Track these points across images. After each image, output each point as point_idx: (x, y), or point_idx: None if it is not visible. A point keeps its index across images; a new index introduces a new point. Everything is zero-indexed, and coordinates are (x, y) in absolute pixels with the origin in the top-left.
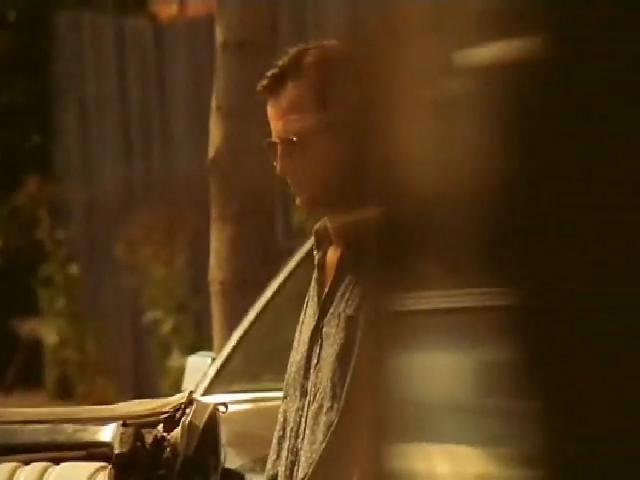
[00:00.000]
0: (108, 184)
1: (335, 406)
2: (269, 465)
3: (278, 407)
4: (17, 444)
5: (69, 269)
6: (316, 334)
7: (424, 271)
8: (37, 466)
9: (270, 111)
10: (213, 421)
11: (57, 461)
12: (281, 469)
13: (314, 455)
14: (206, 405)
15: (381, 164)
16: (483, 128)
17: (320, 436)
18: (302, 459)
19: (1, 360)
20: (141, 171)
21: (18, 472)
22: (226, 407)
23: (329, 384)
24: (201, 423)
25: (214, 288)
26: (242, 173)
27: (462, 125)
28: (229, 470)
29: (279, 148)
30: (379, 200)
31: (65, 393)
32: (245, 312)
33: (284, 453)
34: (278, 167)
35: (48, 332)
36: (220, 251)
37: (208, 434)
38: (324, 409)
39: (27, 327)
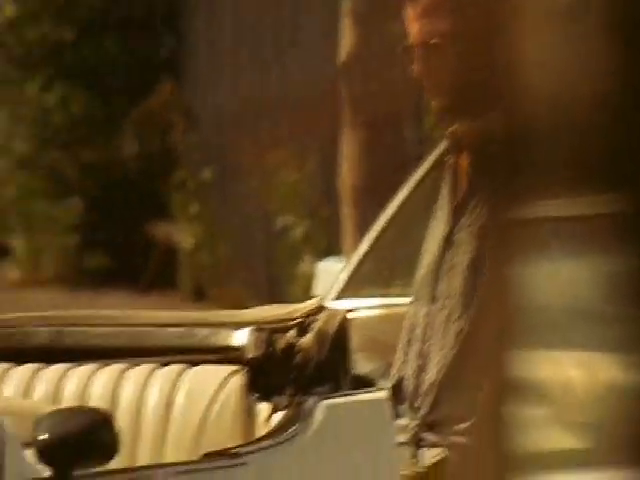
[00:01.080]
0: (240, 89)
1: (465, 314)
2: (395, 369)
3: (406, 313)
4: (152, 347)
5: (202, 174)
6: (447, 241)
7: (547, 178)
8: (173, 368)
9: (408, 13)
10: (343, 327)
11: (191, 364)
12: (408, 373)
13: (444, 360)
14: (336, 311)
15: (507, 70)
16: (605, 34)
17: (450, 342)
18: (431, 364)
19: (137, 264)
20: (273, 76)
21: (154, 374)
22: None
23: (460, 292)
24: (331, 329)
25: (344, 193)
26: (373, 78)
27: (584, 31)
28: (358, 375)
29: (416, 51)
30: (505, 106)
31: (198, 296)
32: (375, 217)
33: (411, 357)
34: (415, 70)
35: (182, 236)
36: (351, 156)
37: (338, 340)
38: (454, 316)
39: (161, 231)
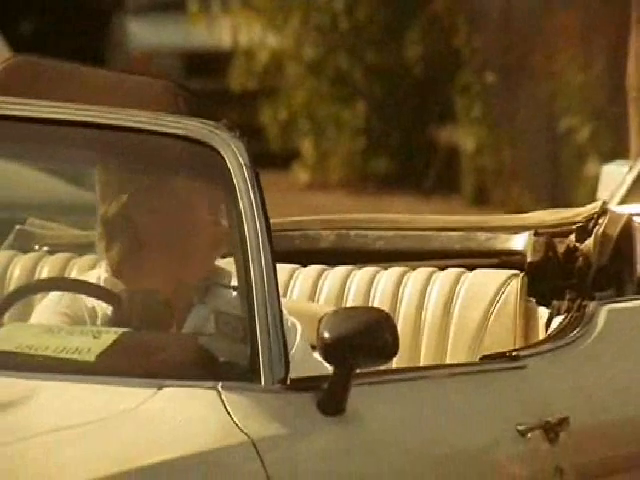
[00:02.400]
0: None
1: None
2: None
3: None
4: (431, 250)
5: (485, 77)
6: None
7: None
8: (452, 272)
9: None
10: (627, 231)
11: (470, 267)
12: None
13: None
14: (620, 215)
15: None
16: None
17: None
18: None
19: (420, 166)
20: None
21: (434, 277)
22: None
23: None
24: (615, 233)
25: (632, 94)
26: None
27: None
28: None
29: None
30: None
31: (481, 200)
32: None
33: None
34: None
35: (465, 139)
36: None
37: (622, 244)
38: None
39: (444, 134)
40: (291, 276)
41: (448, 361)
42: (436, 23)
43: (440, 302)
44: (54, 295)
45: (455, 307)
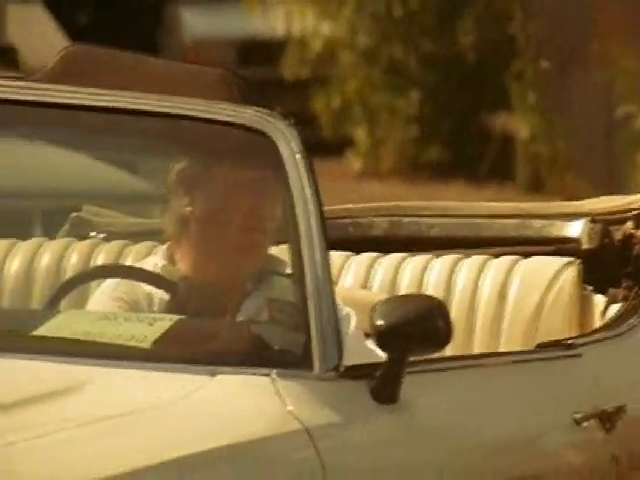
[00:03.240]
0: None
1: None
2: None
3: None
4: (485, 237)
5: (540, 64)
6: None
7: None
8: (506, 259)
9: None
10: None
11: (524, 255)
12: None
13: None
14: None
15: None
16: None
17: None
18: None
19: (473, 154)
20: None
21: (487, 264)
22: None
23: None
24: None
25: None
26: None
27: None
28: None
29: None
30: None
31: (535, 188)
32: None
33: None
34: None
35: (519, 127)
36: None
37: None
38: None
39: (499, 122)
40: (344, 264)
41: (502, 349)
42: (490, 10)
43: (494, 290)
44: (111, 281)
45: (510, 295)
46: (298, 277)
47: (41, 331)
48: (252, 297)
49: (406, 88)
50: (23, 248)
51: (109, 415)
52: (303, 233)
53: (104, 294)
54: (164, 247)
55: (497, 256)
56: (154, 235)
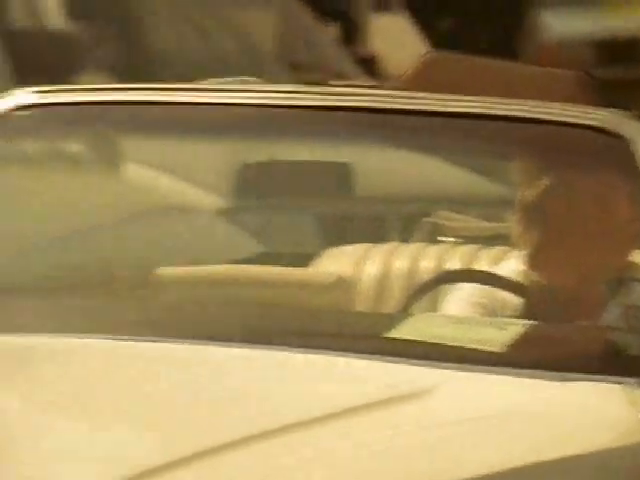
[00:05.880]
0: None
1: None
2: None
3: None
4: None
5: None
6: None
7: None
8: None
9: None
10: None
11: None
12: None
13: None
14: None
15: None
16: None
17: None
18: None
19: None
20: None
21: None
22: None
23: None
24: None
25: None
26: None
27: None
28: None
29: None
30: None
31: None
32: None
33: None
34: None
35: None
36: None
37: None
38: None
39: None
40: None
41: None
42: None
43: None
44: (469, 287)
45: None
46: None
47: (394, 333)
48: (610, 305)
49: None
50: (378, 252)
51: (461, 419)
52: None
53: (463, 300)
54: (520, 252)
55: None
56: (507, 239)
